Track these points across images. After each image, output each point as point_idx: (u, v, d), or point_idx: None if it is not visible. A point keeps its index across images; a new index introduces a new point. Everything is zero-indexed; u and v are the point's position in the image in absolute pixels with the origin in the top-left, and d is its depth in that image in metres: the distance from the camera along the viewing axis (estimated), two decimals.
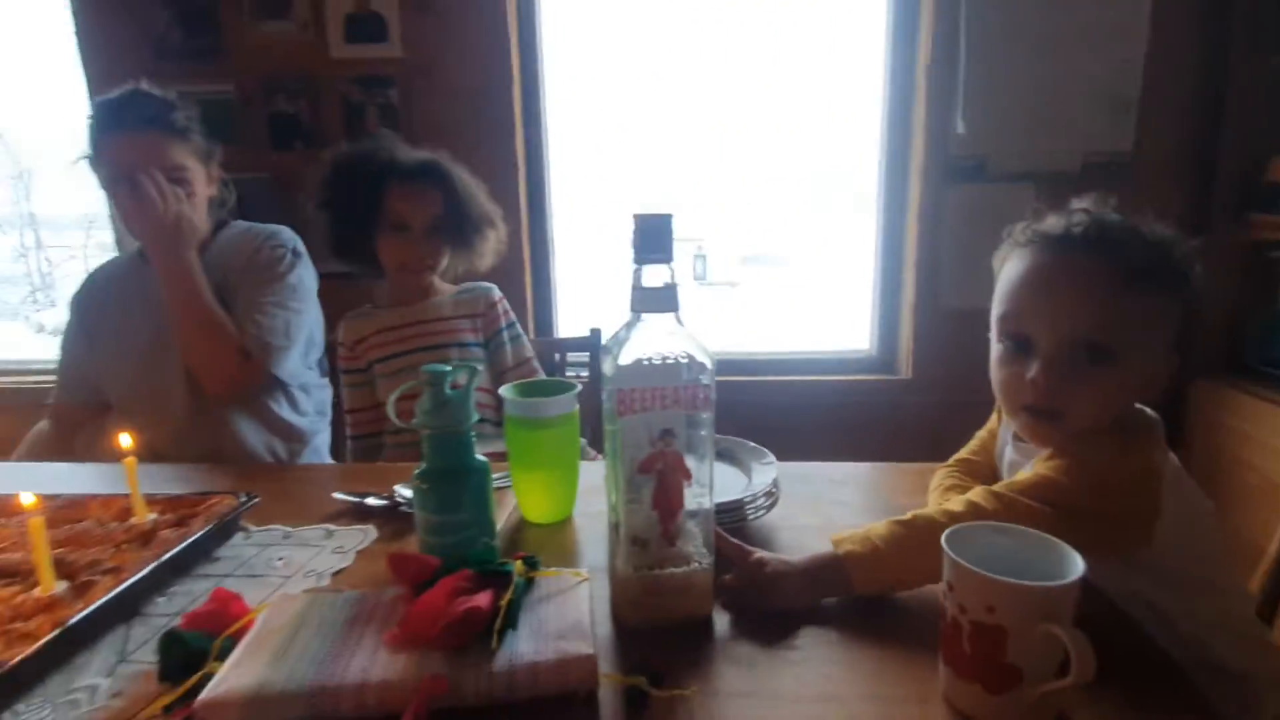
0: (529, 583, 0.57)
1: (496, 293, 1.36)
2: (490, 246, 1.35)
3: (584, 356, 1.54)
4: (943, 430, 0.91)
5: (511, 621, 0.51)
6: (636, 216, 0.57)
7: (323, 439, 1.38)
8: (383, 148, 1.26)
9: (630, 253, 0.57)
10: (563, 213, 2.13)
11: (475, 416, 0.70)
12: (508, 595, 0.52)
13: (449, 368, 0.68)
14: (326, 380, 1.41)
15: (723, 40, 2.64)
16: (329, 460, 1.38)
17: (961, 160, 1.80)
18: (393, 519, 0.80)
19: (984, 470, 0.80)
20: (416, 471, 0.69)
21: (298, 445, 1.29)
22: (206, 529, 0.69)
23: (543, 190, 2.03)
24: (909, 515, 0.62)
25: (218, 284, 1.20)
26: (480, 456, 0.71)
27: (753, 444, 0.86)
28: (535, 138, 2.00)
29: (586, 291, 2.49)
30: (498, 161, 1.90)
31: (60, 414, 1.27)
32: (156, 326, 1.19)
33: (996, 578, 0.45)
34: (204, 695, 0.46)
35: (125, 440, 0.71)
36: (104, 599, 0.56)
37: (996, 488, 0.62)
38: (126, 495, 0.72)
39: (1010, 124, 1.77)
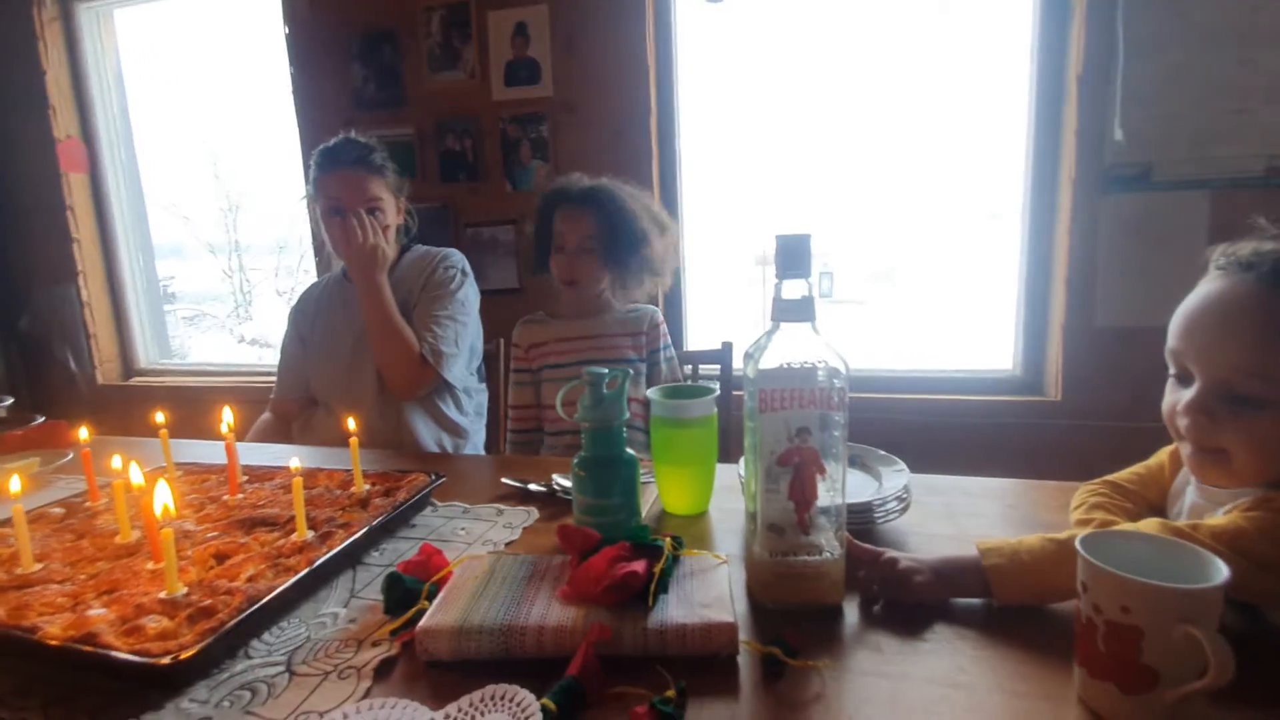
0: (676, 558, 0.65)
1: (658, 316, 1.45)
2: (658, 264, 1.42)
3: (715, 369, 1.60)
4: (1093, 457, 0.88)
5: (663, 586, 0.59)
6: (778, 237, 0.64)
7: (480, 437, 1.56)
8: (560, 181, 1.42)
9: (771, 268, 0.64)
10: (693, 231, 2.23)
11: (625, 414, 0.79)
12: (660, 564, 0.60)
13: (606, 370, 0.78)
14: (484, 385, 1.59)
15: (854, 51, 2.64)
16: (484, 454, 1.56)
17: (1120, 168, 1.69)
18: (550, 503, 0.91)
19: (1138, 500, 0.75)
20: (575, 460, 0.79)
21: (460, 440, 1.47)
22: (409, 500, 0.83)
23: (676, 210, 2.14)
24: (1064, 534, 0.61)
25: (402, 300, 1.41)
26: (629, 451, 0.80)
27: (883, 452, 0.89)
28: (669, 160, 2.11)
29: (715, 305, 2.56)
30: (635, 184, 2.03)
31: (279, 407, 1.53)
32: (356, 335, 1.41)
33: (1131, 577, 0.46)
34: (422, 624, 0.58)
35: (351, 424, 0.87)
36: (342, 545, 0.71)
37: (1180, 524, 0.59)
38: (347, 469, 0.88)
39: (1178, 128, 1.64)
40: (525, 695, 0.50)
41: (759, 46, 2.55)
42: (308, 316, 1.53)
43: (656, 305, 1.53)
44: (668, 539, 0.65)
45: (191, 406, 2.36)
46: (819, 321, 0.64)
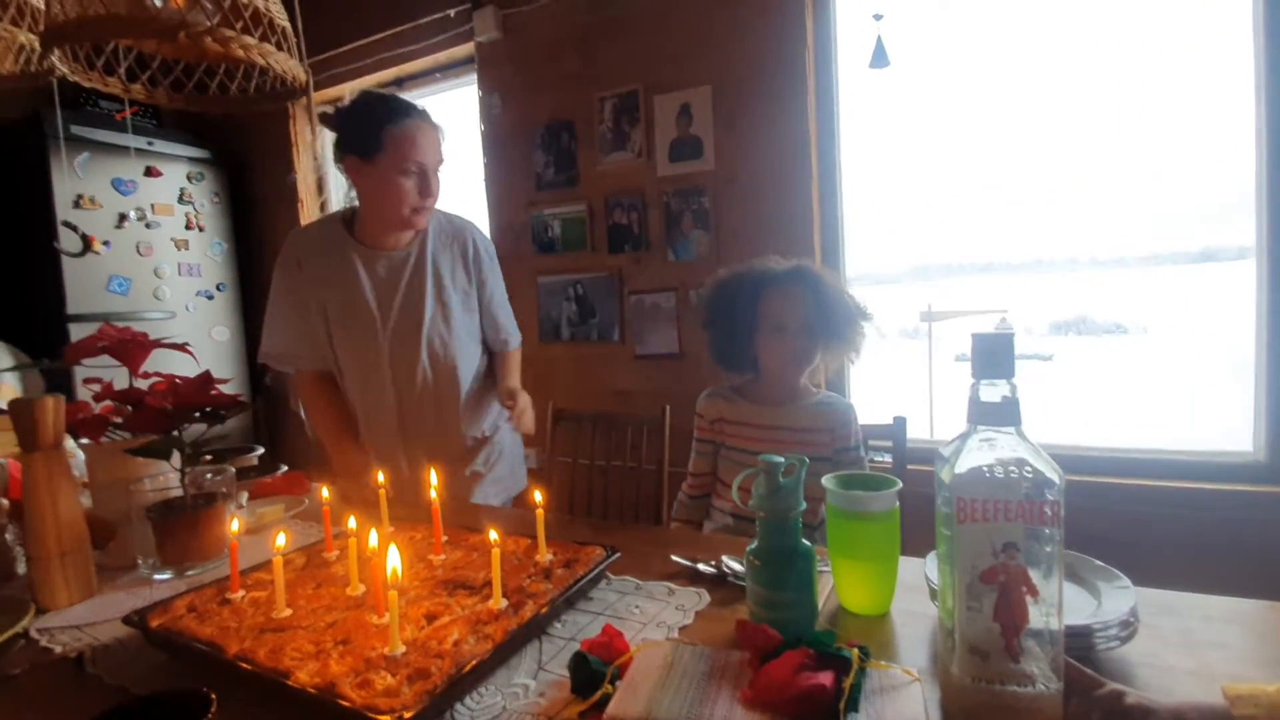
0: (864, 671, 0.62)
1: (851, 412, 1.39)
2: (861, 341, 1.38)
3: (886, 443, 1.52)
4: None
5: (853, 704, 0.56)
6: (975, 336, 0.62)
7: None
8: (754, 265, 1.40)
9: (969, 368, 0.61)
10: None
11: (802, 505, 0.78)
12: (849, 679, 0.58)
13: (782, 459, 0.78)
14: None
15: (1022, 76, 2.45)
16: None
17: None
18: (720, 586, 0.91)
19: None
20: (749, 548, 0.79)
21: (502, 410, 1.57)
22: (590, 573, 0.87)
23: (839, 270, 2.10)
24: None
25: (439, 267, 1.50)
26: (805, 543, 0.78)
27: (1100, 563, 0.79)
28: (831, 223, 2.09)
29: (876, 368, 2.45)
30: (795, 250, 2.03)
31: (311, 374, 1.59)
32: (396, 312, 1.47)
33: None
34: (610, 711, 0.60)
35: (538, 496, 0.94)
36: (532, 617, 0.76)
37: None
38: (531, 537, 0.95)
39: None
40: None
41: (922, 98, 2.46)
42: (315, 279, 1.44)
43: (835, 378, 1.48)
44: (855, 650, 0.62)
45: None
46: (1024, 426, 0.60)
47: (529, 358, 1.75)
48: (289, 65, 1.04)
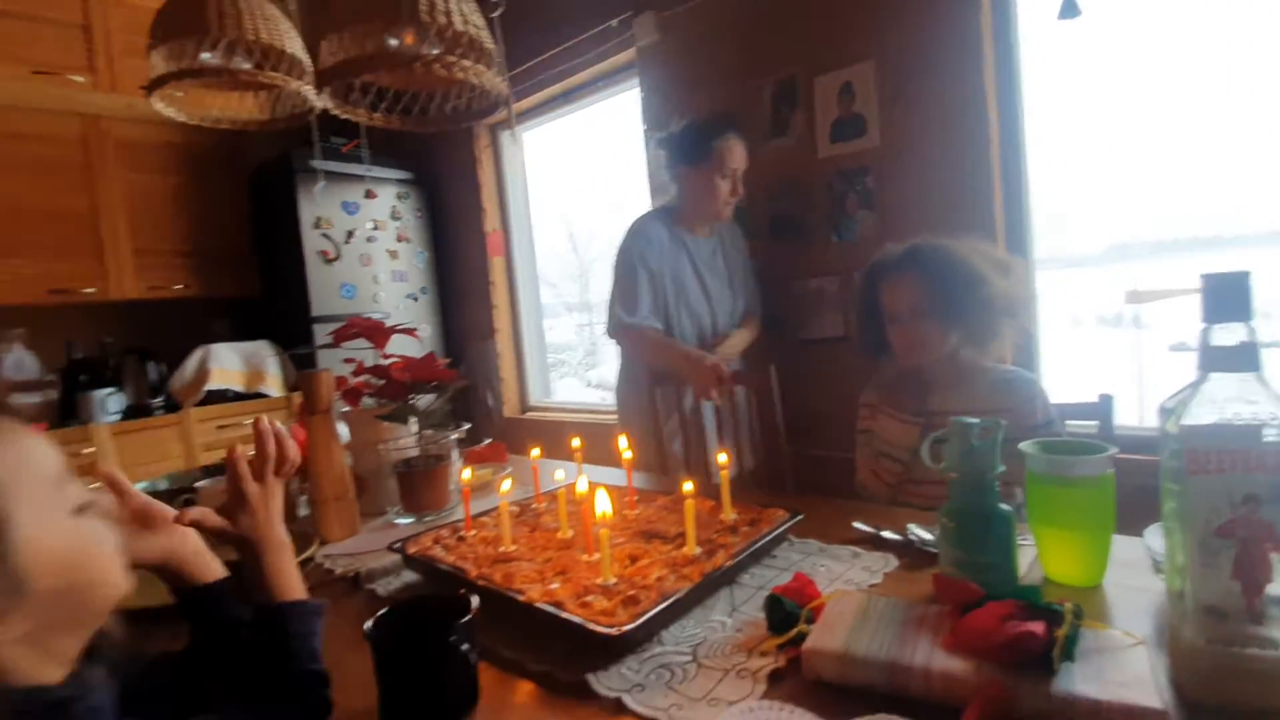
0: (1077, 626, 0.60)
1: (1036, 385, 1.27)
2: (1007, 304, 1.25)
3: (1090, 423, 1.40)
4: None
5: (1069, 654, 0.56)
6: (1204, 277, 0.58)
7: None
8: (881, 253, 1.36)
9: (1200, 312, 0.58)
10: (1046, 274, 2.00)
11: (1000, 466, 0.77)
12: (1063, 630, 0.57)
13: (976, 420, 0.77)
14: None
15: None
16: None
17: None
18: (907, 553, 0.91)
19: None
20: (942, 509, 0.79)
21: None
22: (775, 529, 0.92)
23: (1024, 248, 1.95)
24: None
25: (732, 261, 2.08)
26: (1004, 505, 0.77)
27: None
28: (1015, 195, 1.94)
29: (1075, 353, 2.22)
30: (974, 226, 1.91)
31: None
32: (707, 290, 1.98)
33: None
34: (809, 645, 0.64)
35: (722, 459, 1.01)
36: (727, 562, 0.82)
37: None
38: (716, 499, 1.01)
39: None
40: None
41: (1121, 50, 2.19)
42: (661, 257, 1.87)
43: (1021, 353, 1.36)
44: (1067, 604, 0.61)
45: (555, 436, 2.88)
46: (1266, 370, 0.55)
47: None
48: (495, 82, 1.19)
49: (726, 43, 2.38)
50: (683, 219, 1.92)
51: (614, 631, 0.67)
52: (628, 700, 0.63)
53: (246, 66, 1.34)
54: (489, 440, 1.65)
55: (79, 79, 2.45)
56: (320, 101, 1.29)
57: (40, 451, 0.51)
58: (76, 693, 0.47)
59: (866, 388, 1.44)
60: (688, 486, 0.86)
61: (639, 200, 2.72)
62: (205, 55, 1.35)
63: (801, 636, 0.67)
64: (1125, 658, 0.58)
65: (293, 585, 0.68)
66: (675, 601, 0.74)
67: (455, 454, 1.29)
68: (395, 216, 3.23)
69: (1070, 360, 2.24)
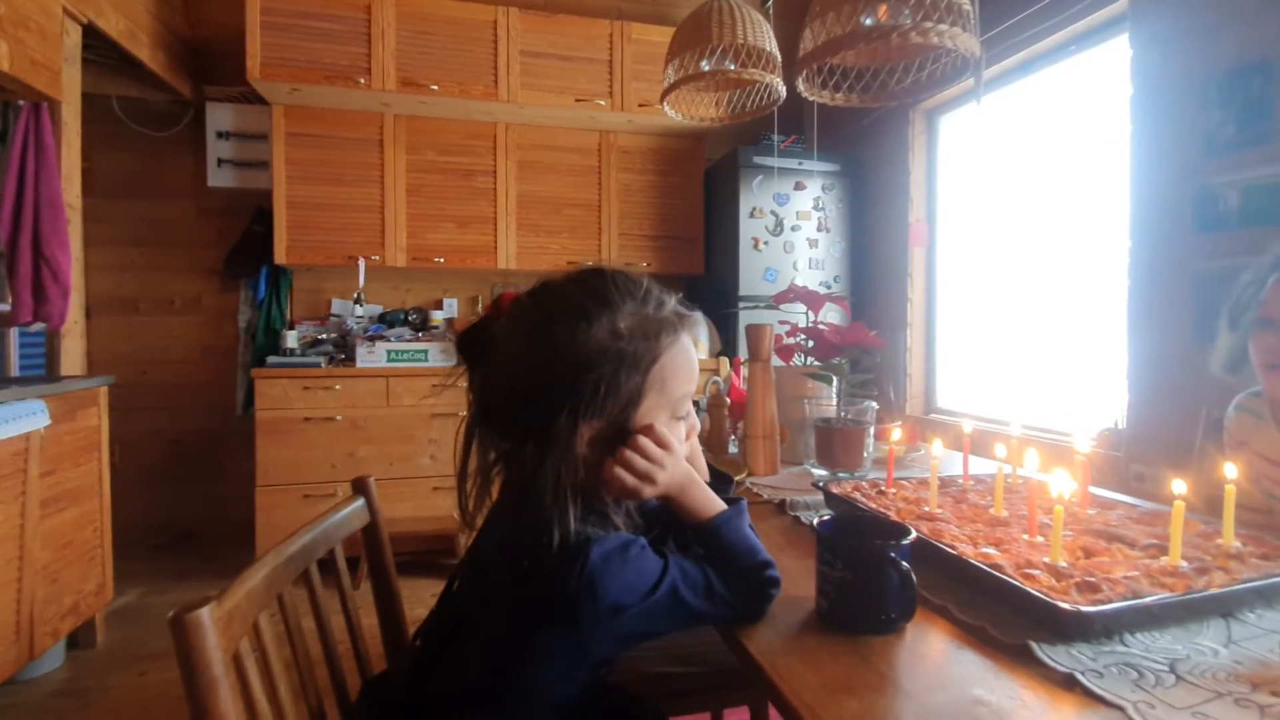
0: None
1: None
2: None
3: None
4: None
5: None
6: None
7: None
8: None
9: None
10: None
11: None
12: None
13: None
14: None
15: None
16: None
17: None
18: None
19: None
20: None
21: None
22: None
23: None
24: None
25: None
26: None
27: None
28: None
29: None
30: None
31: None
32: None
33: None
34: None
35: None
36: (1228, 586, 0.67)
37: None
38: (1205, 521, 0.82)
39: None
40: None
41: None
42: None
43: None
44: None
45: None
46: None
47: None
48: (969, 44, 1.16)
49: None
50: None
51: (1078, 609, 0.62)
52: (1085, 680, 0.57)
53: (732, 68, 1.58)
54: (900, 423, 1.62)
55: (602, 103, 3.22)
56: (792, 88, 1.45)
57: (692, 363, 0.73)
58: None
59: (1235, 409, 1.15)
60: (1179, 486, 0.71)
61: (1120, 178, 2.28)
62: (703, 64, 1.64)
63: None
64: None
65: (713, 504, 0.75)
66: (1152, 604, 0.64)
67: (872, 422, 1.32)
68: (819, 207, 3.38)
69: None
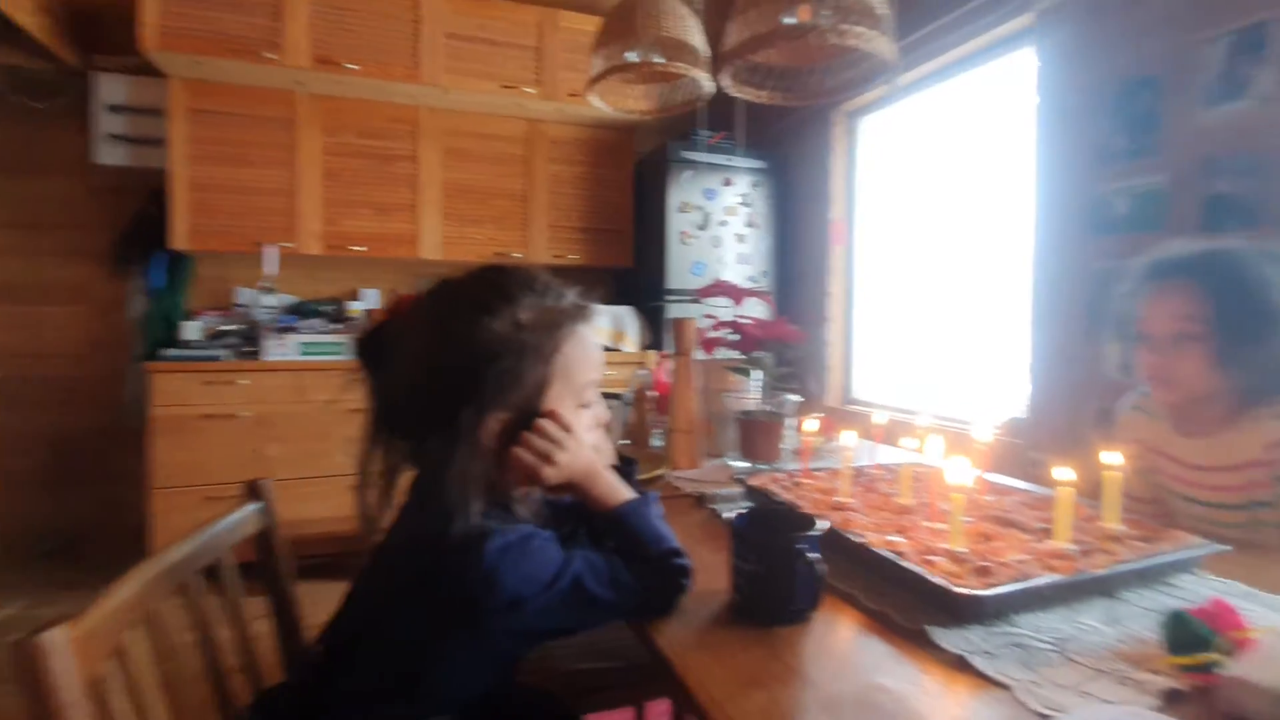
0: None
1: None
2: None
3: None
4: None
5: None
6: None
7: None
8: (1165, 248, 1.12)
9: None
10: None
11: None
12: None
13: None
14: None
15: None
16: None
17: None
18: None
19: None
20: None
21: None
22: (1176, 552, 0.76)
23: None
24: None
25: None
26: None
27: None
28: None
29: None
30: None
31: None
32: None
33: None
34: (1236, 673, 0.53)
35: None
36: (1112, 567, 0.71)
37: None
38: (1096, 507, 0.87)
39: None
40: None
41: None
42: None
43: None
44: None
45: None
46: None
47: None
48: (886, 48, 1.19)
49: None
50: None
51: (968, 592, 0.64)
52: (975, 661, 0.60)
53: (659, 60, 1.57)
54: (820, 415, 1.67)
55: (530, 90, 3.15)
56: (717, 83, 1.45)
57: (595, 352, 0.74)
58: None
59: (1131, 409, 1.21)
60: (1064, 473, 0.75)
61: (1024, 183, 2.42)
62: (629, 55, 1.62)
63: (1211, 665, 0.56)
64: None
65: (620, 493, 0.74)
66: (1041, 586, 0.67)
67: (792, 415, 1.34)
68: (747, 203, 3.43)
69: None
